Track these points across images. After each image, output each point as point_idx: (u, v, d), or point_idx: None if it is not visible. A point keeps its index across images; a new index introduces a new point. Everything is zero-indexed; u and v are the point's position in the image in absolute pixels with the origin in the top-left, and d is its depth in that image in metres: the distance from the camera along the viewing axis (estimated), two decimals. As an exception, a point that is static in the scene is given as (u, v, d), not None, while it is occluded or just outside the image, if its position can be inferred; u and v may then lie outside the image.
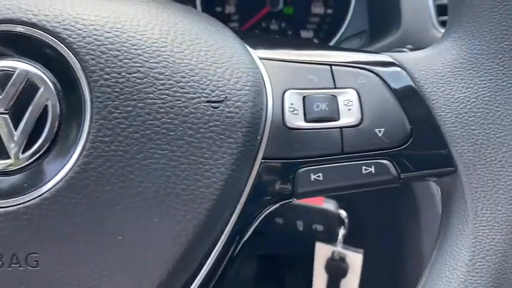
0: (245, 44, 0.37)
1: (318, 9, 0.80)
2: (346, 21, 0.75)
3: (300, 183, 0.35)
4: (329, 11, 0.80)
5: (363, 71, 0.36)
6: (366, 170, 0.34)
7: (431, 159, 0.35)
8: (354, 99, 0.35)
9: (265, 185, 0.34)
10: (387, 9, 0.63)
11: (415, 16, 0.58)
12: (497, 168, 0.33)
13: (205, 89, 0.32)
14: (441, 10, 0.62)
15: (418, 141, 0.34)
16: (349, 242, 0.67)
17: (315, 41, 0.80)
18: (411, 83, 0.35)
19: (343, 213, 0.63)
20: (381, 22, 0.67)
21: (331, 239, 0.64)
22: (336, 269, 0.65)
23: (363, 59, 0.37)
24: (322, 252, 0.65)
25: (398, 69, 0.36)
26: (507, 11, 0.33)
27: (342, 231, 0.63)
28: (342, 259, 0.65)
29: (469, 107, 0.34)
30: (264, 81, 0.35)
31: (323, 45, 0.55)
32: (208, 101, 0.32)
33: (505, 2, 0.33)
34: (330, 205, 0.62)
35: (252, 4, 0.81)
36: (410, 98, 0.35)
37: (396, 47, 0.57)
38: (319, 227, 0.62)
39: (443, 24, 0.61)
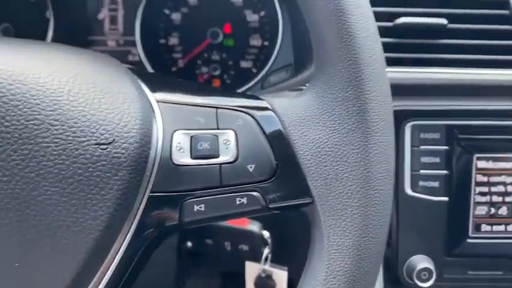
0: (145, 87, 0.42)
1: (255, 41, 0.86)
2: (274, 55, 0.81)
3: (186, 213, 0.40)
4: (266, 43, 0.85)
5: (242, 113, 0.41)
6: (239, 201, 0.39)
7: (292, 191, 0.40)
8: (232, 139, 0.40)
9: (153, 215, 0.39)
10: (304, 46, 0.69)
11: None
12: (345, 200, 0.39)
13: (95, 133, 0.37)
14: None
15: (282, 176, 0.40)
16: (278, 260, 0.71)
17: (253, 70, 0.86)
18: (279, 126, 0.40)
19: (266, 233, 0.68)
20: (301, 57, 0.73)
21: (257, 258, 0.68)
22: (264, 286, 0.70)
23: (244, 103, 0.42)
24: (251, 270, 0.70)
25: (271, 113, 0.41)
26: (351, 65, 0.39)
27: (266, 251, 0.68)
28: (269, 276, 0.69)
29: (322, 146, 0.39)
30: (156, 123, 0.40)
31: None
32: (97, 143, 0.37)
33: (349, 57, 0.39)
34: (254, 226, 0.67)
35: (194, 36, 0.86)
36: (277, 138, 0.40)
37: (309, 81, 0.62)
38: (245, 247, 0.67)
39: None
